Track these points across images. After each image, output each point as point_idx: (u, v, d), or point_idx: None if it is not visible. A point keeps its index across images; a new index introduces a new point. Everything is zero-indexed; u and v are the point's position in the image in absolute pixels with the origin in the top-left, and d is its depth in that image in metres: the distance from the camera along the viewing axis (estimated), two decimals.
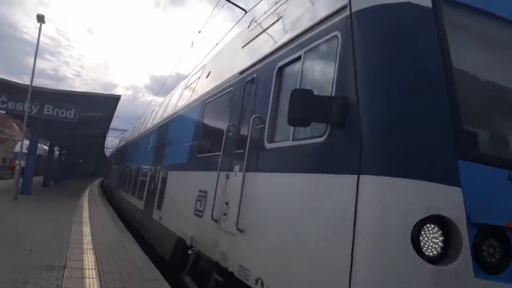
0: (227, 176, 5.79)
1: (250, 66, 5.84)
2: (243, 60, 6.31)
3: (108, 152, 59.74)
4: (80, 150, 49.71)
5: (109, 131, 44.60)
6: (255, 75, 5.60)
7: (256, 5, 11.94)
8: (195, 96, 8.83)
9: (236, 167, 5.56)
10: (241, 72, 6.13)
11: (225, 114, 6.54)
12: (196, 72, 10.01)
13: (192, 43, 19.89)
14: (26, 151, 22.49)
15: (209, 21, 16.43)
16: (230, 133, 6.01)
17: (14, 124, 73.00)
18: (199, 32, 18.63)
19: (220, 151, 6.12)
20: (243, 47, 6.70)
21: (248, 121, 5.47)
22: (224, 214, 5.62)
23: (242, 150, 5.44)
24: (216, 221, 5.83)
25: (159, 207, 9.64)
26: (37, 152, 25.24)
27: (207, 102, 7.58)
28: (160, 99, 21.78)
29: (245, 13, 14.93)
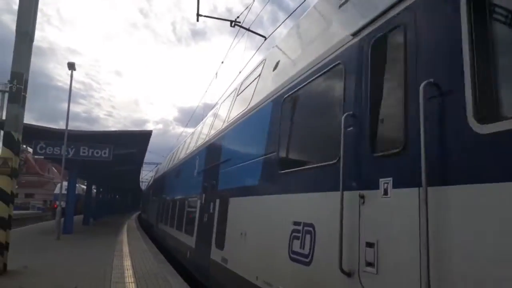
0: (362, 198, 3.22)
1: (380, 14, 3.35)
2: (353, 18, 3.85)
3: (143, 186, 57.67)
4: (116, 187, 48.22)
5: (143, 165, 43.07)
6: (397, 24, 3.10)
7: (275, 30, 11.72)
8: (258, 97, 6.33)
9: (385, 181, 2.99)
10: (356, 33, 3.64)
11: (330, 102, 4.04)
12: (253, 71, 7.52)
13: (216, 73, 19.38)
14: (65, 192, 21.24)
15: (230, 51, 15.92)
16: (352, 128, 3.48)
17: (53, 168, 72.65)
18: (222, 62, 18.33)
19: (336, 159, 3.58)
20: (341, 5, 4.24)
21: (399, 96, 2.95)
22: (370, 264, 3.03)
23: (395, 150, 2.90)
24: (349, 274, 3.24)
25: (220, 245, 7.03)
26: (76, 192, 23.73)
27: (285, 96, 5.07)
28: (190, 130, 19.89)
29: (265, 39, 14.17)
